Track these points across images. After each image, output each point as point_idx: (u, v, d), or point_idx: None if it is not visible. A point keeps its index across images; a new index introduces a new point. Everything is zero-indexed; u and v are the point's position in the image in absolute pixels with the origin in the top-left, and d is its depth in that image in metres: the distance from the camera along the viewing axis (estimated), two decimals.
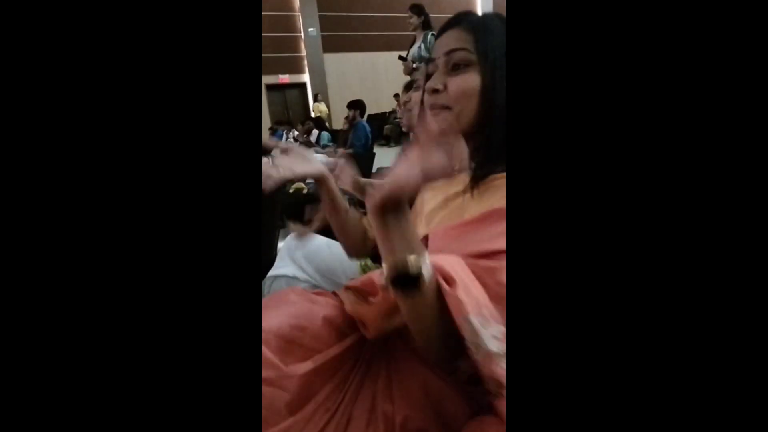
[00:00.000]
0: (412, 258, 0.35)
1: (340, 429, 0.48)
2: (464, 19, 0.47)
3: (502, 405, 0.33)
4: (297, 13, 8.65)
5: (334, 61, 8.82)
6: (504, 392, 0.33)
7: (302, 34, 8.71)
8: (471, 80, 0.45)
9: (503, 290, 0.37)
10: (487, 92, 0.44)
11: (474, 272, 0.39)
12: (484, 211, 0.43)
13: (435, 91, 0.47)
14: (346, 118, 3.95)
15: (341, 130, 4.09)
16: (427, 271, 0.35)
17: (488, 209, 0.43)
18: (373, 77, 7.52)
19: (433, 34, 2.62)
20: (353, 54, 8.90)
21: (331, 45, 8.78)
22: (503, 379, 0.33)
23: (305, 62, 8.89)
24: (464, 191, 0.47)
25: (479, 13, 0.51)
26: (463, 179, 0.48)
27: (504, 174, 0.44)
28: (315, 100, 8.21)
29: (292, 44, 8.77)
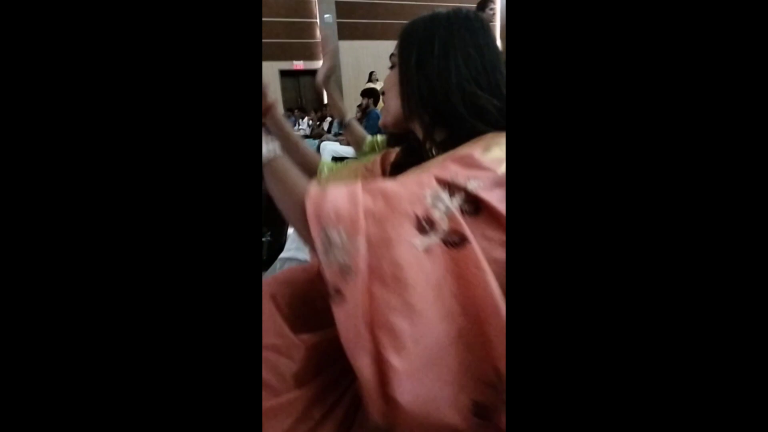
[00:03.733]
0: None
1: (351, 410, 0.48)
2: (400, 35, 0.54)
3: (337, 310, 0.38)
4: None
5: (349, 48, 8.74)
6: (339, 299, 0.37)
7: (318, 20, 8.63)
8: (392, 77, 0.54)
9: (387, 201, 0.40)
10: (402, 83, 0.52)
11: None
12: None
13: (382, 93, 0.58)
14: (359, 106, 3.94)
15: (354, 118, 4.08)
16: (266, 153, 0.44)
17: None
18: (387, 66, 7.46)
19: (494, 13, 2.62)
20: (369, 42, 8.80)
21: (347, 32, 8.68)
22: (342, 288, 0.37)
23: (320, 49, 8.81)
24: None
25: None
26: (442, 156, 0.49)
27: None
28: (369, 79, 7.68)
29: (308, 30, 8.70)
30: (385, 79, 0.57)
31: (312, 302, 0.56)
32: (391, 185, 0.41)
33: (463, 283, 0.38)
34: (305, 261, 0.91)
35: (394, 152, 0.66)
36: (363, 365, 0.37)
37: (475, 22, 0.51)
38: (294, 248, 0.96)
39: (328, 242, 0.38)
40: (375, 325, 0.37)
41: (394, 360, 0.36)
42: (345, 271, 0.37)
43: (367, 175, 0.66)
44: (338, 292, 0.38)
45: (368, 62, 8.36)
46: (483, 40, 0.50)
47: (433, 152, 0.51)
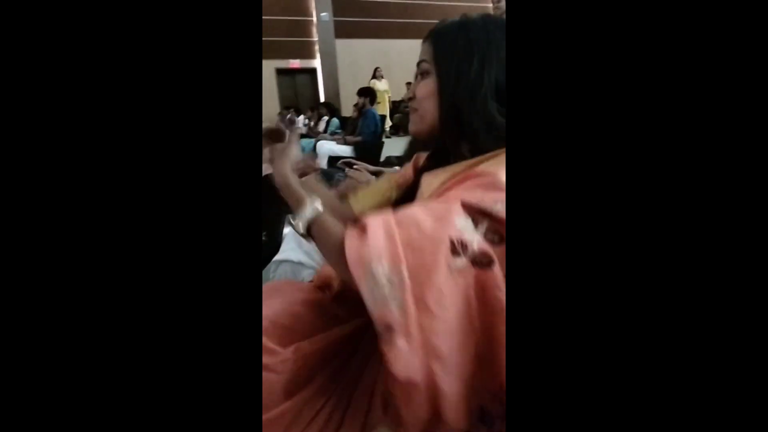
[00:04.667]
0: (301, 207, 0.47)
1: (338, 413, 0.49)
2: (432, 33, 0.54)
3: (387, 348, 0.38)
4: None
5: (346, 47, 8.73)
6: (390, 336, 0.38)
7: (314, 18, 8.61)
8: (429, 85, 0.53)
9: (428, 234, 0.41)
10: (442, 94, 0.52)
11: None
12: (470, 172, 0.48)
13: (410, 98, 0.56)
14: (356, 105, 3.92)
15: (350, 117, 4.07)
16: (310, 215, 0.46)
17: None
18: (384, 65, 7.45)
19: None
20: (366, 40, 8.80)
21: (343, 30, 8.67)
22: (392, 322, 0.38)
23: (317, 47, 8.80)
24: (465, 168, 0.50)
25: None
26: (465, 163, 0.51)
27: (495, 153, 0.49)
28: (374, 76, 7.14)
29: (304, 29, 8.68)
30: (418, 86, 0.54)
31: (297, 314, 0.56)
32: (420, 213, 0.43)
33: (484, 302, 0.40)
34: (299, 262, 0.90)
35: (424, 155, 0.67)
36: (421, 398, 0.38)
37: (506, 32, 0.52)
38: (289, 249, 0.94)
39: (373, 280, 0.39)
40: (426, 354, 0.38)
41: (448, 388, 0.38)
42: (394, 303, 0.38)
43: (402, 185, 0.67)
44: (389, 328, 0.38)
45: (366, 61, 8.35)
46: None
47: (453, 160, 0.54)
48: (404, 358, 0.37)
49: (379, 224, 0.42)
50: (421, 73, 0.54)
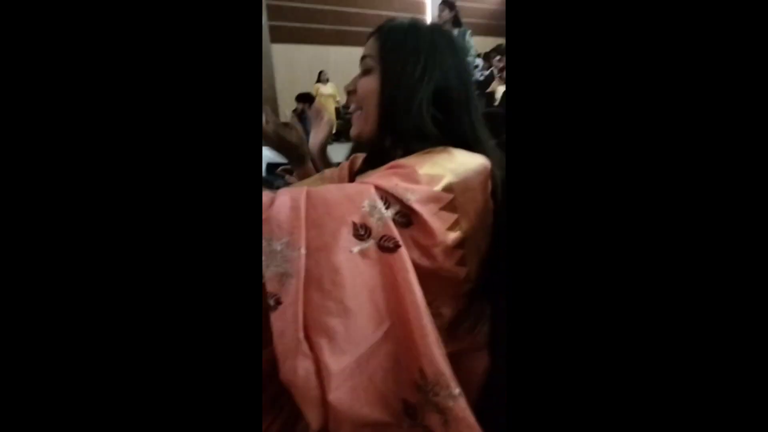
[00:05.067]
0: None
1: (289, 424, 0.49)
2: (380, 29, 0.55)
3: (272, 316, 0.38)
4: None
5: (282, 52, 8.54)
6: (271, 310, 0.38)
7: None
8: (372, 83, 0.53)
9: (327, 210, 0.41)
10: (383, 92, 0.52)
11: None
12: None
13: (350, 92, 0.55)
14: (295, 111, 3.85)
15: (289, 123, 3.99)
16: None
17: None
18: (328, 71, 7.41)
19: (470, 33, 2.82)
20: (303, 46, 8.69)
21: (279, 35, 8.48)
22: (279, 294, 0.38)
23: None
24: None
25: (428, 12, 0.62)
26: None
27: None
28: (319, 79, 6.84)
29: None
30: (360, 82, 0.53)
31: None
32: (333, 192, 0.43)
33: (392, 286, 0.40)
34: None
35: (361, 157, 0.67)
36: (299, 369, 0.37)
37: (456, 41, 0.55)
38: None
39: (271, 253, 0.38)
40: (312, 329, 0.38)
41: (331, 362, 0.37)
42: (284, 277, 0.38)
43: (337, 181, 0.68)
44: (276, 300, 0.38)
45: (304, 67, 8.23)
46: (459, 58, 0.54)
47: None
48: (285, 328, 0.37)
49: (286, 198, 0.41)
50: (365, 70, 0.54)
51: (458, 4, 2.81)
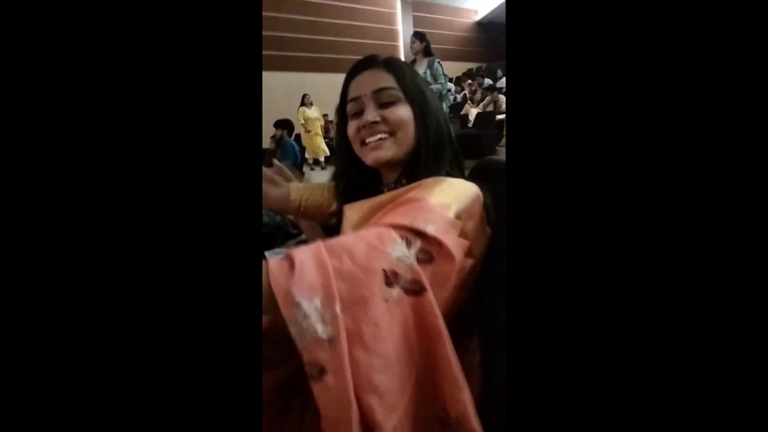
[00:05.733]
0: None
1: None
2: (378, 63, 0.58)
3: (316, 387, 0.35)
4: None
5: None
6: (321, 376, 0.35)
7: None
8: (404, 112, 0.56)
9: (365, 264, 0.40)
10: (418, 120, 0.57)
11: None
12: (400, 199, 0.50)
13: (374, 123, 0.56)
14: (273, 137, 3.86)
15: (267, 149, 3.98)
16: None
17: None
18: (300, 97, 7.51)
19: (439, 62, 2.93)
20: (278, 73, 8.78)
21: None
22: (323, 361, 0.35)
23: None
24: (391, 199, 0.52)
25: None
26: (392, 193, 0.54)
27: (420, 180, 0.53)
28: (302, 103, 6.39)
29: None
30: (389, 112, 0.56)
31: None
32: (353, 242, 0.41)
33: (421, 330, 0.40)
34: None
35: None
36: None
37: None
38: None
39: (304, 317, 0.35)
40: (362, 390, 0.35)
41: (384, 420, 0.36)
42: (326, 342, 0.35)
43: (327, 197, 0.70)
44: (319, 367, 0.34)
45: (280, 93, 8.29)
46: (431, 90, 0.61)
47: (386, 190, 0.58)
48: (333, 396, 0.34)
49: (308, 256, 0.39)
50: (391, 101, 0.56)
51: (430, 31, 2.96)
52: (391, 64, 0.58)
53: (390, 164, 0.57)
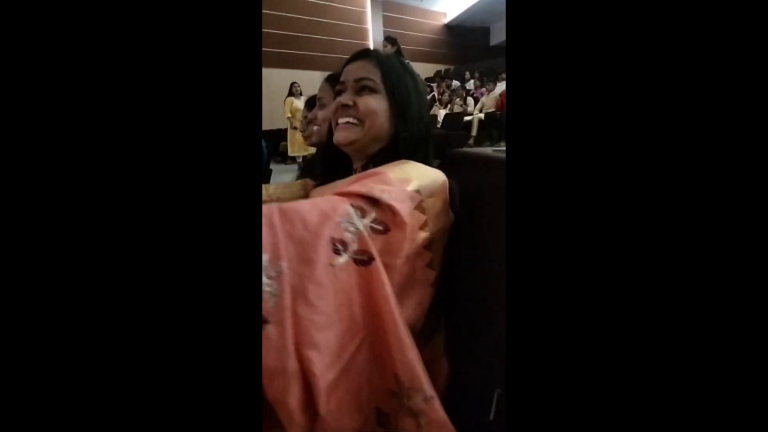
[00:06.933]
0: None
1: None
2: (370, 55, 0.62)
3: (263, 338, 0.37)
4: None
5: None
6: (264, 327, 0.37)
7: None
8: (376, 103, 0.59)
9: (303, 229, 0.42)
10: (395, 114, 0.60)
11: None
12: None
13: (345, 106, 0.60)
14: None
15: None
16: None
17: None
18: (266, 93, 7.34)
19: (408, 63, 2.92)
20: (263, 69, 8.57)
21: None
22: (266, 314, 0.37)
23: None
24: (356, 180, 0.55)
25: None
26: (357, 175, 0.57)
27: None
28: (290, 93, 5.53)
29: None
30: (363, 100, 0.59)
31: None
32: (307, 208, 0.43)
33: (368, 297, 0.42)
34: None
35: (311, 183, 0.74)
36: (290, 385, 0.37)
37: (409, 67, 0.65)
38: None
39: None
40: (302, 344, 0.37)
41: (321, 375, 0.38)
42: (269, 294, 0.37)
43: (301, 190, 0.73)
44: (264, 321, 0.37)
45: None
46: (415, 81, 0.63)
47: (356, 172, 0.61)
48: (274, 347, 0.37)
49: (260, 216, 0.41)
50: (367, 89, 0.60)
51: (399, 32, 3.06)
52: (382, 58, 0.61)
53: (354, 148, 0.61)
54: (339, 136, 0.60)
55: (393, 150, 0.60)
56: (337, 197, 0.46)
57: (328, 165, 0.69)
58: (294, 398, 0.37)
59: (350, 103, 0.59)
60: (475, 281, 0.53)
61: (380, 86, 0.60)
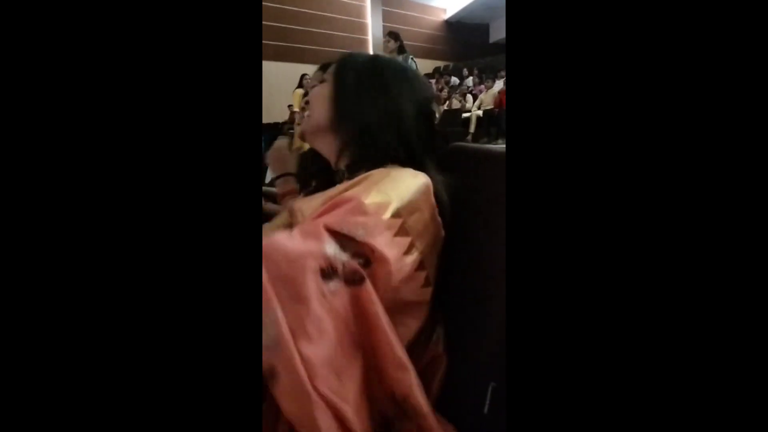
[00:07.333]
0: None
1: None
2: (339, 59, 0.62)
3: (275, 390, 0.37)
4: None
5: None
6: (275, 378, 0.37)
7: None
8: (317, 89, 0.60)
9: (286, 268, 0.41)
10: (333, 99, 0.58)
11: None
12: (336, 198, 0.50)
13: (306, 102, 0.63)
14: None
15: None
16: None
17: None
18: (263, 87, 7.29)
19: (412, 58, 3.19)
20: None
21: None
22: (274, 363, 0.37)
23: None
24: (342, 190, 0.53)
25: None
26: (338, 188, 0.55)
27: (371, 170, 0.53)
28: (300, 84, 5.12)
29: None
30: (313, 90, 0.60)
31: None
32: (287, 243, 0.42)
33: (362, 317, 0.42)
34: None
35: (290, 181, 0.77)
36: (320, 421, 0.37)
37: (408, 71, 0.62)
38: None
39: None
40: (317, 382, 0.37)
41: (342, 405, 0.38)
42: (272, 346, 0.36)
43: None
44: (273, 371, 0.36)
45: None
46: (410, 84, 0.59)
47: (337, 177, 0.60)
48: (291, 394, 0.37)
49: None
50: (320, 81, 0.61)
51: (399, 26, 3.13)
52: (342, 58, 0.61)
53: (310, 141, 0.63)
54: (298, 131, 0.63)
55: (345, 145, 0.58)
56: (315, 228, 0.44)
57: (316, 167, 0.69)
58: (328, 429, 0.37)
59: (309, 98, 0.61)
60: (471, 276, 0.54)
61: (330, 76, 0.60)
